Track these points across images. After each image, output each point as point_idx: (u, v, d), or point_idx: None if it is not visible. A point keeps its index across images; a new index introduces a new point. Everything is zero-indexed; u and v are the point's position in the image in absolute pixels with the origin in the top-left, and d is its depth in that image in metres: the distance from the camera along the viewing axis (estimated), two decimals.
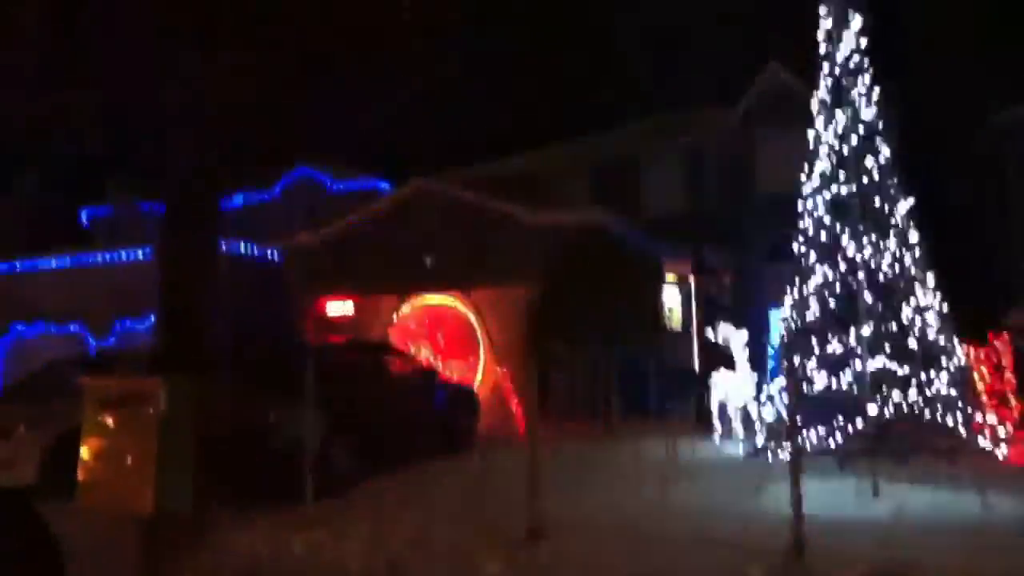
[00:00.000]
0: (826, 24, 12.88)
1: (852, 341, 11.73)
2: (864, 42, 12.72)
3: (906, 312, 11.74)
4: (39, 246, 23.49)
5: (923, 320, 11.73)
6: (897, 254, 12.01)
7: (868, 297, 11.85)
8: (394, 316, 18.65)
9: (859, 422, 11.13)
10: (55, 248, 22.78)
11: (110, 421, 7.31)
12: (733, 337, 13.09)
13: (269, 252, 21.83)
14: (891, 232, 12.14)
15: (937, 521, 8.08)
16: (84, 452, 7.35)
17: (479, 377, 17.59)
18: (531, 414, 8.53)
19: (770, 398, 12.21)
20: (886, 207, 12.23)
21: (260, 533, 8.31)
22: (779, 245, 20.24)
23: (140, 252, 20.88)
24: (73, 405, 7.97)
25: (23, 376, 14.23)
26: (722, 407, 13.34)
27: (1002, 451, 11.09)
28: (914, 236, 12.18)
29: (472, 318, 18.00)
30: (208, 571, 7.26)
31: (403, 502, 9.86)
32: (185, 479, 7.39)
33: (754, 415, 12.41)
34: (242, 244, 21.34)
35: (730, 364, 13.07)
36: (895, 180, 12.37)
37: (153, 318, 17.25)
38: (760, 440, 12.07)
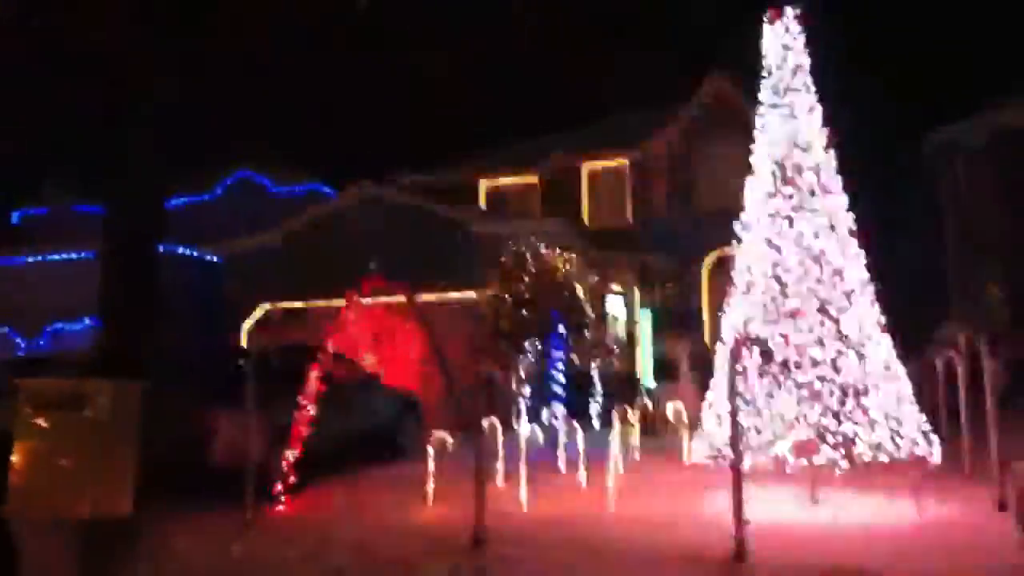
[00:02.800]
0: (769, 38, 13.07)
1: (791, 351, 11.92)
2: (807, 59, 12.98)
3: (845, 323, 11.98)
4: None
5: (861, 331, 11.98)
6: (836, 266, 12.25)
7: (808, 308, 12.06)
8: (336, 321, 18.46)
9: (799, 431, 11.31)
10: None
11: (45, 424, 7.09)
12: (677, 349, 13.26)
13: (209, 255, 21.46)
14: (831, 245, 12.37)
15: (874, 524, 8.29)
16: (16, 456, 7.10)
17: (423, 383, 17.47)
18: (476, 420, 8.50)
19: (712, 406, 12.34)
20: (826, 220, 12.47)
21: (199, 540, 8.16)
22: (722, 257, 20.65)
23: (75, 254, 20.36)
24: (2, 407, 7.71)
25: None
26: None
27: (933, 460, 11.39)
28: (854, 249, 12.43)
29: (417, 324, 17.89)
30: None
31: (346, 510, 9.77)
32: (124, 484, 7.21)
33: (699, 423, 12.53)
34: (181, 247, 20.95)
35: (674, 374, 13.24)
36: (836, 193, 12.61)
37: (88, 320, 16.87)
38: (703, 448, 12.19)
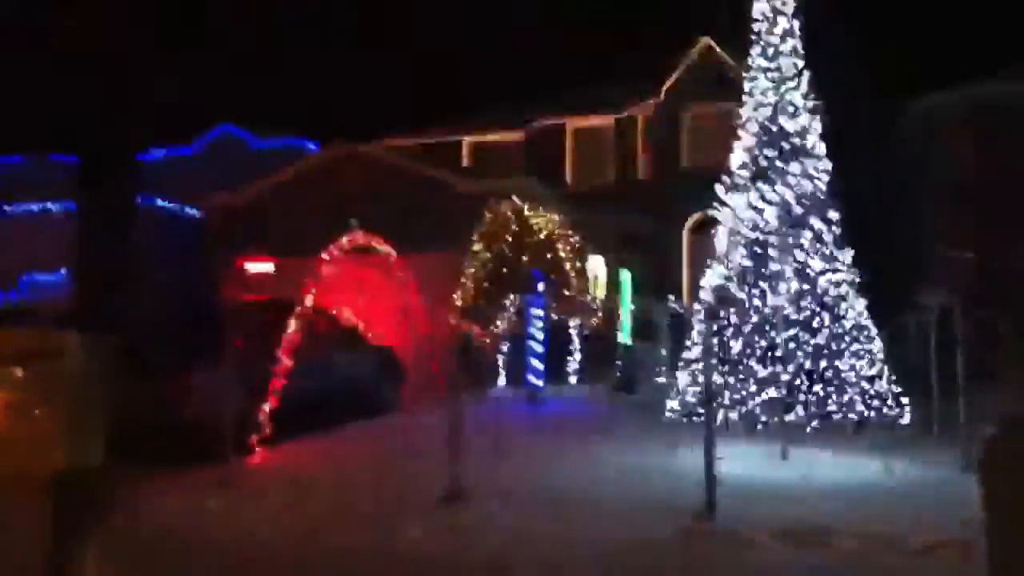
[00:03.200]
0: (761, 4, 13.01)
1: (768, 312, 12.03)
2: (797, 24, 12.95)
3: (822, 286, 12.10)
4: None
5: (838, 294, 12.11)
6: (816, 229, 12.34)
7: (787, 271, 12.17)
8: (317, 276, 18.40)
9: (771, 390, 11.46)
10: None
11: (19, 374, 7.06)
12: (658, 311, 13.33)
13: (189, 209, 21.28)
14: (812, 208, 12.45)
15: (841, 483, 8.44)
16: None
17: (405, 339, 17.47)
18: (454, 379, 8.56)
19: (688, 365, 12.45)
20: (809, 183, 12.53)
21: (177, 493, 8.20)
22: (704, 219, 20.70)
23: (52, 204, 20.12)
24: None
25: None
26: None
27: (903, 421, 11.58)
28: (834, 214, 12.52)
29: (399, 281, 17.85)
30: (122, 530, 7.11)
31: (323, 465, 9.82)
32: (97, 436, 7.19)
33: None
34: (160, 200, 20.76)
35: (653, 335, 13.31)
36: (819, 157, 12.66)
37: (64, 272, 16.72)
38: (678, 406, 12.33)
